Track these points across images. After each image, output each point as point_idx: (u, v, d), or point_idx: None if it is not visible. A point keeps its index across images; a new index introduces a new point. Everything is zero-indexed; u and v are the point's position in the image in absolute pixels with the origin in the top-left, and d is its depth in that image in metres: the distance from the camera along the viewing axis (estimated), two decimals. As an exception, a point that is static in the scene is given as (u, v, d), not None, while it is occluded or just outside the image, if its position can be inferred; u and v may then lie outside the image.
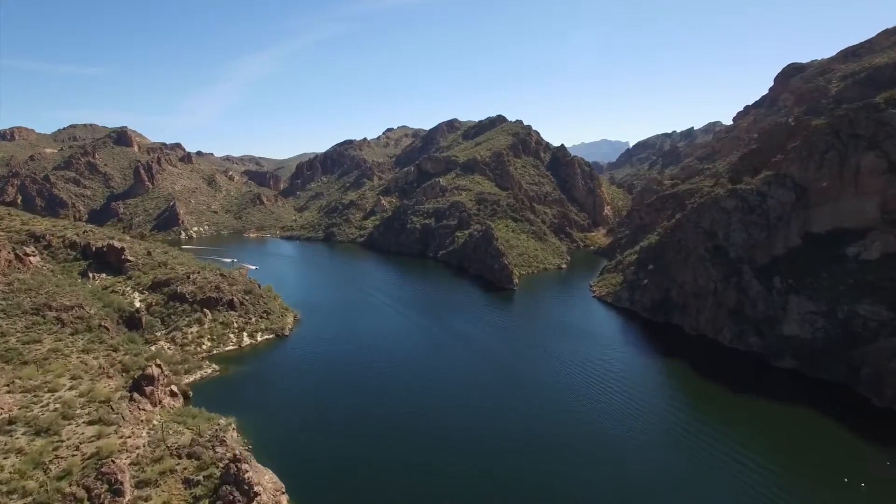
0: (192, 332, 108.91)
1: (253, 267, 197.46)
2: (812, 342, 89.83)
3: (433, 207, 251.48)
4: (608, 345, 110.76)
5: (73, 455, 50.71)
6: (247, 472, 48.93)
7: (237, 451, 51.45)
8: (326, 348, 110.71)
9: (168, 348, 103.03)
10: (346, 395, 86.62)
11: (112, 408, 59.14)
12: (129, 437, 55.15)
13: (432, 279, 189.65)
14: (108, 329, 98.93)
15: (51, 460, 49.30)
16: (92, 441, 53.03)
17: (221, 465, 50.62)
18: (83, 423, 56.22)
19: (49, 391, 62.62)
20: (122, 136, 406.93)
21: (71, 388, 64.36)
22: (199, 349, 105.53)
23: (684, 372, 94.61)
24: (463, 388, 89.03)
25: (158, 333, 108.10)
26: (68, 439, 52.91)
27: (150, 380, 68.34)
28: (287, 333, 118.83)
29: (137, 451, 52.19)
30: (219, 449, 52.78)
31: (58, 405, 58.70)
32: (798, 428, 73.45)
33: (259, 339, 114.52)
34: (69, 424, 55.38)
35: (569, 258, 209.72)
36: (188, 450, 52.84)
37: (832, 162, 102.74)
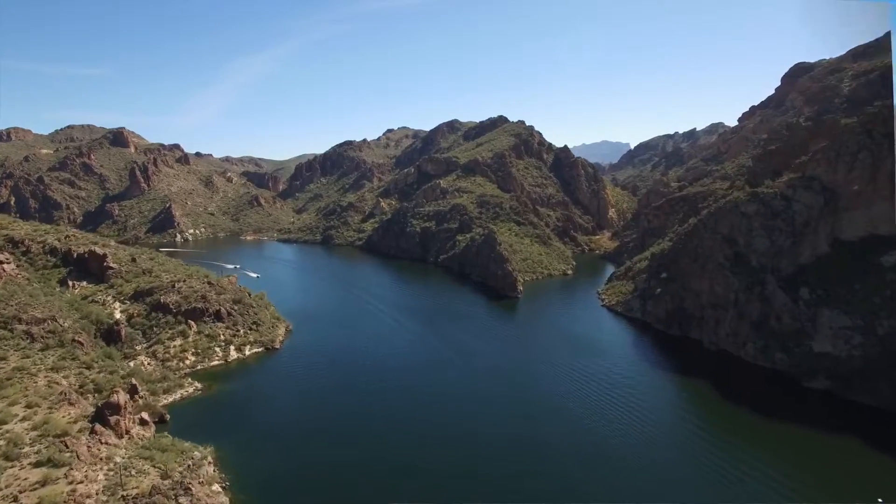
0: (174, 346, 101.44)
1: (254, 275, 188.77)
2: (848, 361, 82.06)
3: (433, 210, 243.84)
4: (620, 359, 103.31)
5: (10, 508, 43.30)
6: (213, 529, 41.53)
7: (203, 504, 43.98)
8: (318, 362, 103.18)
9: (148, 364, 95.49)
10: (337, 416, 79.27)
11: (66, 444, 51.68)
12: (82, 481, 47.65)
13: (433, 286, 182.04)
14: (82, 344, 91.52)
15: (-19, 516, 41.94)
16: (35, 489, 45.50)
17: (184, 519, 43.22)
18: (29, 464, 48.70)
19: (-3, 423, 55.19)
20: (118, 137, 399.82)
21: (24, 419, 56.89)
22: (181, 365, 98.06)
23: (706, 391, 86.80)
24: (471, 412, 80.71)
25: (138, 347, 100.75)
26: (7, 487, 45.36)
27: (116, 408, 60.90)
28: (278, 346, 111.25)
29: (87, 502, 44.68)
30: (182, 500, 45.32)
31: (2, 442, 51.20)
32: (846, 458, 65.71)
33: (247, 352, 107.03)
34: (12, 467, 47.86)
35: (574, 263, 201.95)
36: (147, 500, 45.37)
37: (865, 163, 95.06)
